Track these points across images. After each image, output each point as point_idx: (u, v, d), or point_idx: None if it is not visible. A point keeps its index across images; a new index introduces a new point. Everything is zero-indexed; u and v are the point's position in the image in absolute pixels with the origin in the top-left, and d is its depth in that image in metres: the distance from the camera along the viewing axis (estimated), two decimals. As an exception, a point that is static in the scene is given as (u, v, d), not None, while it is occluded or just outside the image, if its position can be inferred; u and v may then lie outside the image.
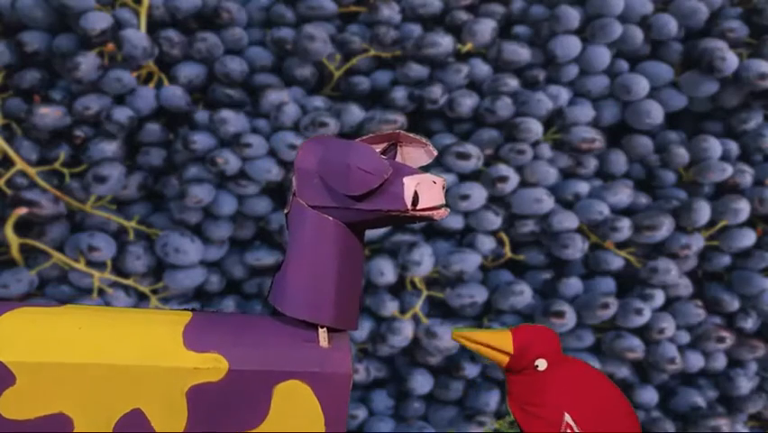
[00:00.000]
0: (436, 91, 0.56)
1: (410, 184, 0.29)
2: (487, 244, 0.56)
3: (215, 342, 0.31)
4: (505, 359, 0.33)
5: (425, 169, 0.31)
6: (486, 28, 0.57)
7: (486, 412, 0.55)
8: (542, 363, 0.33)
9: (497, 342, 0.33)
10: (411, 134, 0.32)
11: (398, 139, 0.32)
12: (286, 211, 0.32)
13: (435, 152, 0.32)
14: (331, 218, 0.31)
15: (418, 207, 0.29)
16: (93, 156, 0.53)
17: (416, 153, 0.32)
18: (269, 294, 0.33)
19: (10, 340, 0.30)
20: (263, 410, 0.31)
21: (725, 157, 0.58)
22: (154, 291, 0.54)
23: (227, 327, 0.32)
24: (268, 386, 0.31)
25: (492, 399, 0.55)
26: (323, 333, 0.31)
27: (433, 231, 0.56)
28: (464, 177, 0.55)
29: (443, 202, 0.30)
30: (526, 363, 0.33)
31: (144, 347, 0.31)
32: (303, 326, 0.32)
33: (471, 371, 0.55)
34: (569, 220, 0.55)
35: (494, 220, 0.55)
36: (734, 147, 0.58)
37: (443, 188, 0.30)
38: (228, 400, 0.31)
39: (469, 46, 0.57)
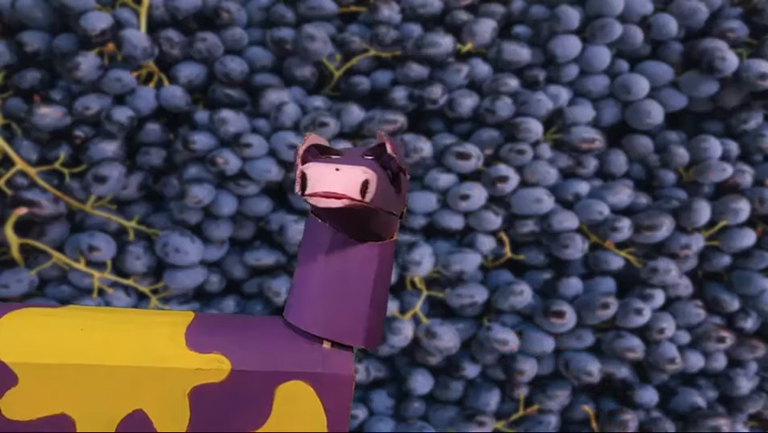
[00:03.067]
0: (436, 91, 0.56)
1: (301, 170, 0.27)
2: (487, 244, 0.56)
3: (218, 343, 0.31)
4: None
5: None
6: (486, 28, 0.57)
7: (486, 412, 0.55)
8: None
9: None
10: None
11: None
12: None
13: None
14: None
15: (307, 192, 0.27)
16: (93, 156, 0.53)
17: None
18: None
19: (12, 341, 0.30)
20: (266, 411, 0.31)
21: (725, 157, 0.58)
22: (154, 291, 0.54)
23: (230, 328, 0.32)
24: (270, 387, 0.31)
25: (492, 399, 0.55)
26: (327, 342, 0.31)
27: (433, 231, 0.56)
28: (464, 177, 0.55)
29: (348, 191, 0.26)
30: None
31: (146, 348, 0.31)
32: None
33: (471, 371, 0.55)
34: (569, 220, 0.55)
35: (494, 220, 0.55)
36: (734, 147, 0.58)
37: (364, 180, 0.27)
38: (230, 400, 0.31)
39: (469, 46, 0.57)
